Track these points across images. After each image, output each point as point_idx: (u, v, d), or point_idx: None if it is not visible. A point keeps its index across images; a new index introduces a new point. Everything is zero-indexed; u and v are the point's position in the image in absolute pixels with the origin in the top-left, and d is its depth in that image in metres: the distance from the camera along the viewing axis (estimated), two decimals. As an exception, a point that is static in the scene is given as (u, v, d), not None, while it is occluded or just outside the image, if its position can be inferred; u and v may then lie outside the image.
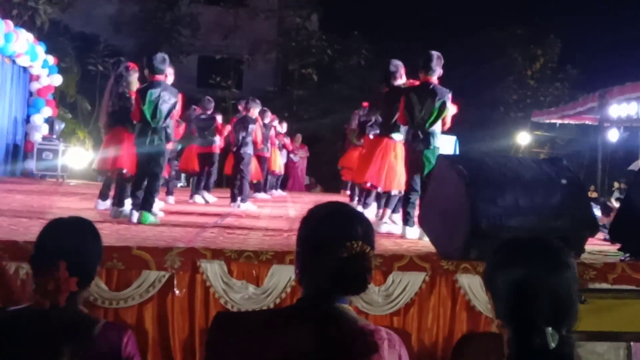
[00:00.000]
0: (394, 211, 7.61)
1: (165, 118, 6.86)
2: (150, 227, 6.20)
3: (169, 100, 6.86)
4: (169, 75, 7.44)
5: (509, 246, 1.83)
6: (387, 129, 7.56)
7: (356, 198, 11.55)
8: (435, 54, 6.67)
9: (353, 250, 1.95)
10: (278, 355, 1.87)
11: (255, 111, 10.68)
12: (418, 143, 6.54)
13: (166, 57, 7.09)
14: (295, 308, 2.03)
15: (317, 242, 2.01)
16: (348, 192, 13.30)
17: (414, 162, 6.62)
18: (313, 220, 2.07)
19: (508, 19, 25.92)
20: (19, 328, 2.33)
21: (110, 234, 5.43)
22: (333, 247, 1.96)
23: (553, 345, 1.68)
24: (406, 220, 6.66)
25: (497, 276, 1.78)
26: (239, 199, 10.06)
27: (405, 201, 6.81)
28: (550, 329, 1.68)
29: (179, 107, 7.25)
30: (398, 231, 6.78)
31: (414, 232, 6.52)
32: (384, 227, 7.06)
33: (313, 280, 2.00)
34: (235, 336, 1.93)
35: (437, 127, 6.58)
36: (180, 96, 7.10)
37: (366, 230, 2.04)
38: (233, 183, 10.47)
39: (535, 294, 1.71)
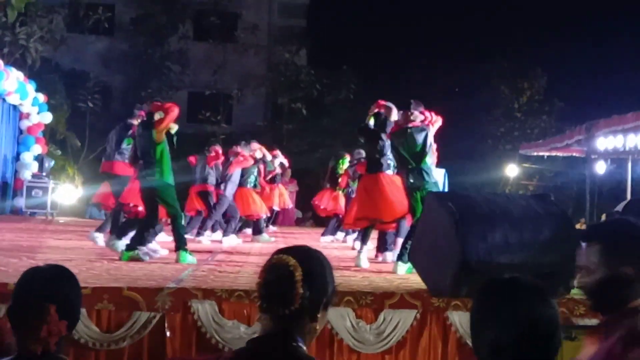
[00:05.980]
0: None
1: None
2: (141, 267, 6.19)
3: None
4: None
5: (490, 288, 1.86)
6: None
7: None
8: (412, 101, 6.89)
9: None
10: None
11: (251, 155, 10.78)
12: (414, 180, 6.66)
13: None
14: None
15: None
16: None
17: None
18: None
19: (494, 51, 26.19)
20: None
21: (100, 274, 5.41)
22: None
23: None
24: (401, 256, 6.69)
25: (478, 328, 1.81)
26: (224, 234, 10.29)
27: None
28: None
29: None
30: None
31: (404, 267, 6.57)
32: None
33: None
34: None
35: (429, 162, 6.69)
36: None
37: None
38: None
39: (516, 333, 1.73)
